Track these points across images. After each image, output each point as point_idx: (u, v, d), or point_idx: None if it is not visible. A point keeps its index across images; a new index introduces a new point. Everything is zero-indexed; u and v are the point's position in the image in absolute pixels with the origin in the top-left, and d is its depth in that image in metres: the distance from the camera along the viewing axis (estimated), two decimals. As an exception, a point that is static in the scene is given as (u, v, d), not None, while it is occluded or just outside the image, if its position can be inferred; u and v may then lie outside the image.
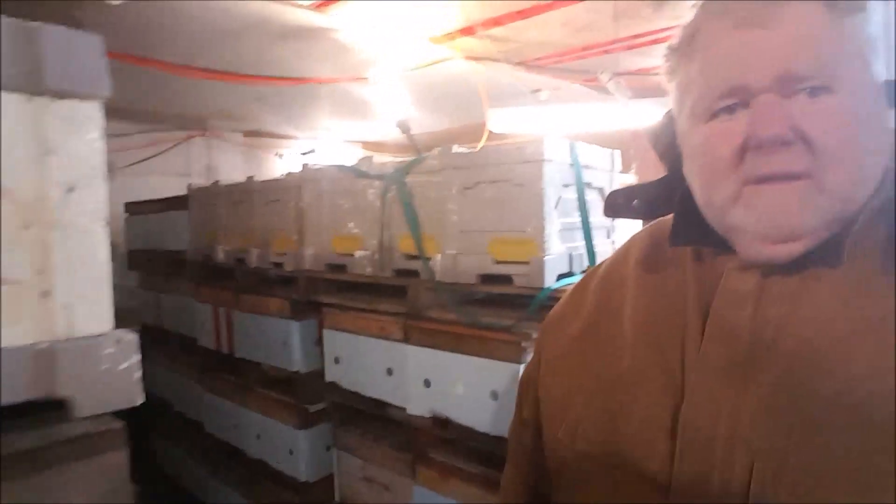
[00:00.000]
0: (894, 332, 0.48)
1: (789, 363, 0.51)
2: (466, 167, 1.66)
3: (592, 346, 0.67)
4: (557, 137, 1.58)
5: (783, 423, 0.49)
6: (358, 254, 1.97)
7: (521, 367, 1.54)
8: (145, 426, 3.59)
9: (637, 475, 0.57)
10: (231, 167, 4.85)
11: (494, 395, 1.59)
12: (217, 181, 2.75)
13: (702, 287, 0.59)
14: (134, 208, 3.55)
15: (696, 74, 0.57)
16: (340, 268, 2.07)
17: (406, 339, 1.83)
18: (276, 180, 2.36)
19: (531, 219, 1.54)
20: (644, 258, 0.68)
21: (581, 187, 1.67)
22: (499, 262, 1.61)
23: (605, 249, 1.88)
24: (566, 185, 1.64)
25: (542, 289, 1.52)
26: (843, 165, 0.51)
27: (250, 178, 2.49)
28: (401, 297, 1.87)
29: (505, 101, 2.92)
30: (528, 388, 0.78)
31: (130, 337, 0.65)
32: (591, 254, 1.70)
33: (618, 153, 1.92)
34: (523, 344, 1.54)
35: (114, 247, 3.91)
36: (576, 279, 1.65)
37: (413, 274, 1.83)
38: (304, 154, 5.04)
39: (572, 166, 1.66)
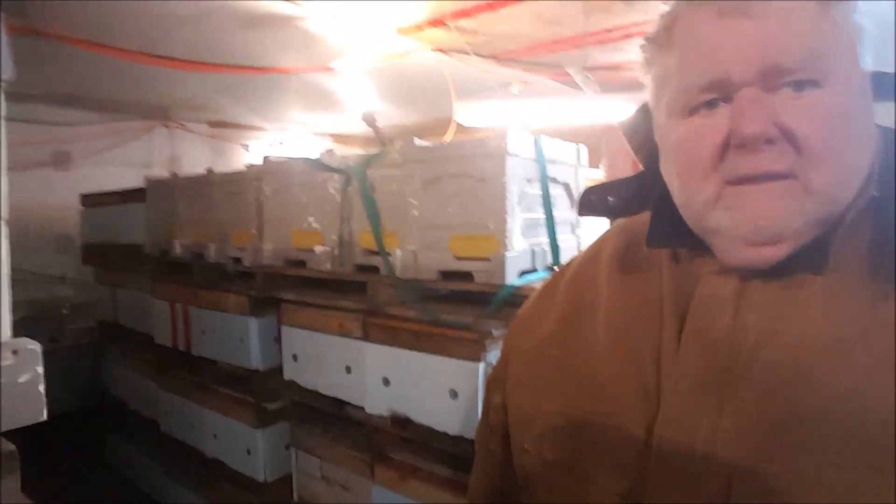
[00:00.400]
0: (881, 344, 0.45)
1: (770, 377, 0.48)
2: (428, 161, 1.62)
3: (562, 352, 0.63)
4: (521, 131, 1.55)
5: (763, 441, 0.47)
6: (318, 249, 1.91)
7: (481, 366, 1.50)
8: (100, 426, 3.47)
9: (607, 490, 0.54)
10: (196, 158, 4.71)
11: (454, 394, 1.56)
12: (175, 173, 2.65)
13: (679, 291, 0.56)
14: (90, 200, 3.41)
15: (675, 67, 0.54)
16: (300, 263, 2.00)
17: (365, 337, 1.78)
18: (235, 173, 2.28)
19: (493, 214, 1.50)
20: (618, 257, 0.64)
21: (545, 182, 1.64)
22: (460, 259, 1.57)
23: (570, 245, 1.86)
24: (529, 180, 1.61)
25: (503, 286, 1.48)
26: (829, 164, 0.48)
27: (209, 170, 2.41)
28: (361, 293, 1.82)
29: (475, 94, 2.88)
30: (493, 392, 0.73)
31: (31, 347, 0.58)
32: (556, 250, 1.67)
33: (584, 148, 1.90)
34: (484, 342, 1.51)
35: (69, 240, 3.78)
36: (539, 276, 1.63)
37: (374, 270, 1.79)
38: (270, 146, 4.93)
39: (536, 161, 1.62)
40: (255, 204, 2.17)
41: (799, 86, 0.49)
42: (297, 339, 2.02)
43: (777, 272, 0.51)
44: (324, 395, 1.94)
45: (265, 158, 2.08)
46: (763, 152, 0.49)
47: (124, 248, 3.10)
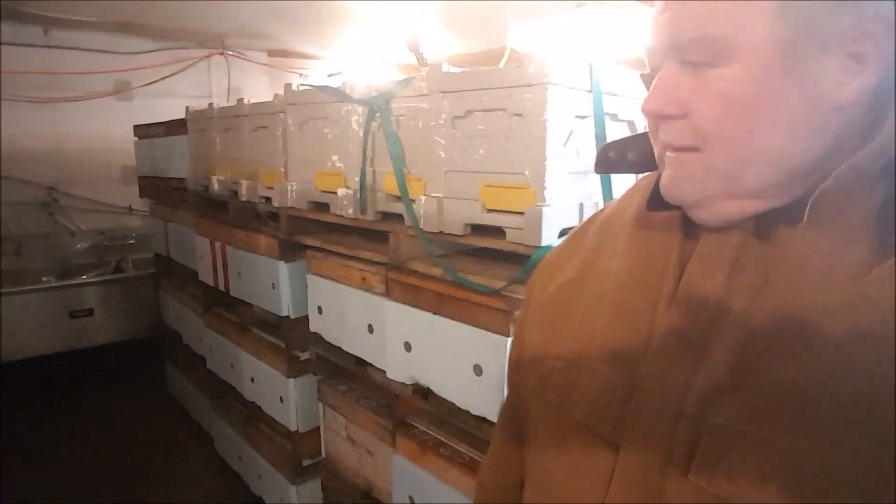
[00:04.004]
0: (873, 312, 0.44)
1: (752, 340, 0.48)
2: (457, 92, 1.34)
3: (576, 298, 0.64)
4: (570, 55, 1.23)
5: (734, 403, 0.47)
6: (340, 192, 1.70)
7: (509, 342, 1.27)
8: (160, 356, 3.58)
9: (593, 434, 0.56)
10: (255, 88, 4.60)
11: (478, 370, 1.34)
12: (211, 103, 2.50)
13: (684, 249, 0.55)
14: (141, 132, 3.37)
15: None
16: (324, 207, 1.81)
17: (387, 294, 1.58)
18: (262, 104, 2.09)
19: (530, 159, 1.22)
20: (641, 210, 0.61)
21: (601, 119, 1.32)
22: (490, 211, 1.31)
23: (633, 197, 1.55)
24: (581, 117, 1.30)
25: (539, 247, 1.22)
26: (727, 147, 0.49)
27: (240, 100, 2.22)
28: (387, 243, 1.61)
29: (536, 13, 2.48)
30: (517, 330, 0.75)
31: None
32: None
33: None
34: (514, 314, 1.27)
35: (134, 171, 3.80)
36: (586, 235, 1.35)
37: (398, 218, 1.56)
38: (330, 76, 4.71)
39: (590, 93, 1.31)
40: (282, 139, 1.98)
41: (695, 66, 0.49)
42: (322, 290, 1.86)
43: (772, 233, 0.50)
44: (347, 353, 1.79)
45: (287, 87, 1.87)
46: (668, 126, 0.51)
47: (172, 182, 3.04)
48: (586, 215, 1.34)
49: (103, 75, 3.99)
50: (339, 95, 1.64)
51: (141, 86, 4.14)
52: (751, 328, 0.48)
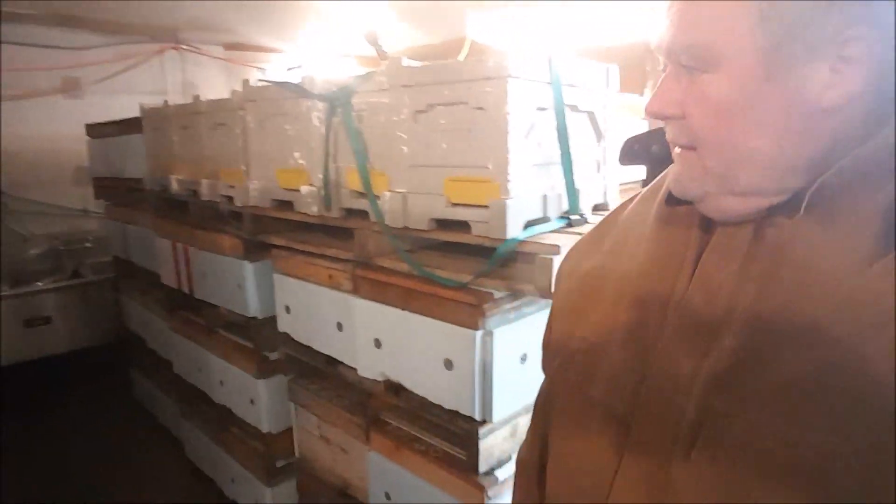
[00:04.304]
0: (876, 305, 0.44)
1: (757, 329, 0.49)
2: (418, 86, 1.33)
3: (602, 283, 0.65)
4: (530, 48, 1.23)
5: (737, 390, 0.48)
6: (304, 189, 1.68)
7: (479, 335, 1.28)
8: (124, 361, 3.48)
9: (608, 414, 0.58)
10: (211, 84, 4.47)
11: (449, 365, 1.35)
12: (166, 101, 2.42)
13: (701, 242, 0.57)
14: (94, 131, 3.25)
15: None
16: (287, 205, 1.78)
17: (355, 291, 1.57)
18: (220, 101, 2.03)
19: (493, 152, 1.22)
20: (668, 196, 0.63)
21: (561, 111, 1.33)
22: (455, 205, 1.31)
23: (596, 187, 1.57)
24: (541, 109, 1.31)
25: (505, 239, 1.23)
26: (718, 149, 0.51)
27: (196, 97, 2.17)
28: (352, 240, 1.59)
29: (503, 3, 2.47)
30: (549, 315, 0.76)
31: None
32: (573, 194, 1.38)
33: (614, 68, 1.56)
34: (483, 307, 1.27)
35: (84, 172, 3.67)
36: (552, 227, 1.36)
37: (363, 215, 1.55)
38: (289, 69, 4.63)
39: (550, 84, 1.31)
40: (242, 136, 1.93)
41: (690, 71, 0.51)
42: (289, 289, 1.84)
43: (781, 226, 0.51)
44: (317, 352, 1.77)
45: (245, 83, 1.82)
46: (671, 125, 0.55)
47: (129, 183, 2.95)
48: (550, 207, 1.35)
49: (50, 72, 3.83)
50: (299, 91, 1.61)
51: (91, 83, 3.99)
52: (759, 318, 0.49)
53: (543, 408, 0.77)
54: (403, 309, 1.43)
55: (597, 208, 1.59)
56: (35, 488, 2.67)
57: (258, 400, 2.16)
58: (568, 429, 0.66)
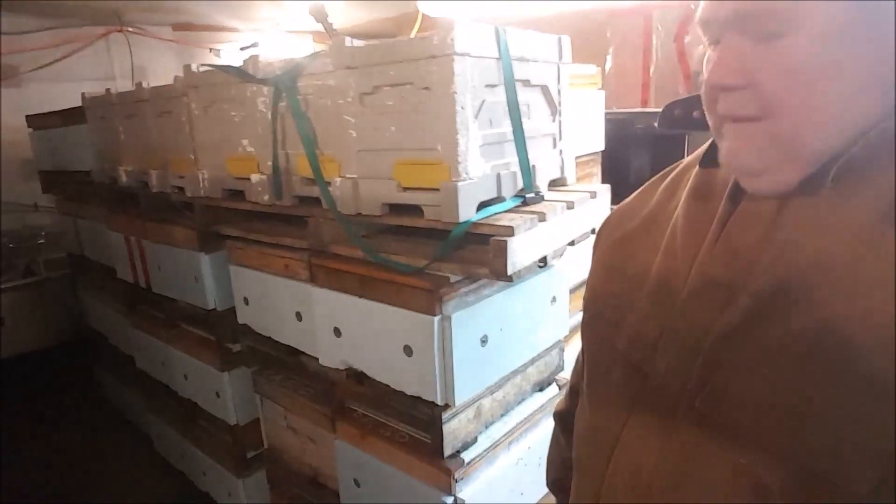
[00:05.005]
0: (883, 269, 0.45)
1: (772, 289, 0.50)
2: (363, 66, 1.28)
3: (636, 241, 0.68)
4: (476, 22, 1.19)
5: (746, 345, 0.50)
6: (254, 178, 1.62)
7: (437, 321, 1.26)
8: (86, 359, 3.39)
9: (628, 360, 0.62)
10: (162, 68, 4.29)
11: (408, 351, 1.33)
12: (108, 89, 2.32)
13: (731, 206, 0.58)
14: (35, 122, 3.10)
15: None
16: (239, 194, 1.73)
17: (312, 280, 1.53)
18: (163, 87, 1.95)
19: (441, 133, 1.19)
20: (703, 159, 0.64)
21: (512, 87, 1.30)
22: (406, 189, 1.28)
23: (552, 162, 1.55)
24: (491, 86, 1.28)
25: (457, 223, 1.20)
26: (793, 115, 0.50)
27: (139, 84, 2.07)
28: (306, 229, 1.55)
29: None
30: (588, 278, 0.77)
31: None
32: (527, 171, 1.36)
33: (566, 39, 1.53)
34: (439, 291, 1.25)
35: (31, 165, 3.51)
36: (507, 206, 1.34)
37: (316, 202, 1.50)
38: (243, 49, 4.47)
39: (500, 60, 1.28)
40: (188, 124, 1.86)
41: (765, 36, 0.49)
42: (246, 280, 1.79)
43: (814, 194, 0.51)
44: (278, 342, 1.74)
45: (186, 68, 1.74)
46: (731, 97, 0.52)
47: (76, 176, 2.83)
48: (505, 186, 1.33)
49: (-15, 60, 3.63)
50: (241, 75, 1.55)
51: (31, 70, 3.79)
52: (776, 279, 0.50)
53: (578, 362, 0.80)
54: (361, 296, 1.41)
55: (554, 183, 1.57)
56: (2, 493, 2.60)
57: (223, 393, 2.12)
58: (594, 380, 0.69)
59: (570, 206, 1.39)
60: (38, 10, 3.67)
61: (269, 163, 1.55)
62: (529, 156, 1.40)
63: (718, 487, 0.51)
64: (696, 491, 0.53)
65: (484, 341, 1.36)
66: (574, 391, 0.83)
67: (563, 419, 0.87)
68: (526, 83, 1.41)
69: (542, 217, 1.27)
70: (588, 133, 1.98)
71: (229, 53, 4.62)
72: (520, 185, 1.37)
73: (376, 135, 1.30)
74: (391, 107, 1.26)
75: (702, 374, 0.53)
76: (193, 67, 1.73)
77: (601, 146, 2.12)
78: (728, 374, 0.51)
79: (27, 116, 3.15)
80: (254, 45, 4.66)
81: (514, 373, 1.51)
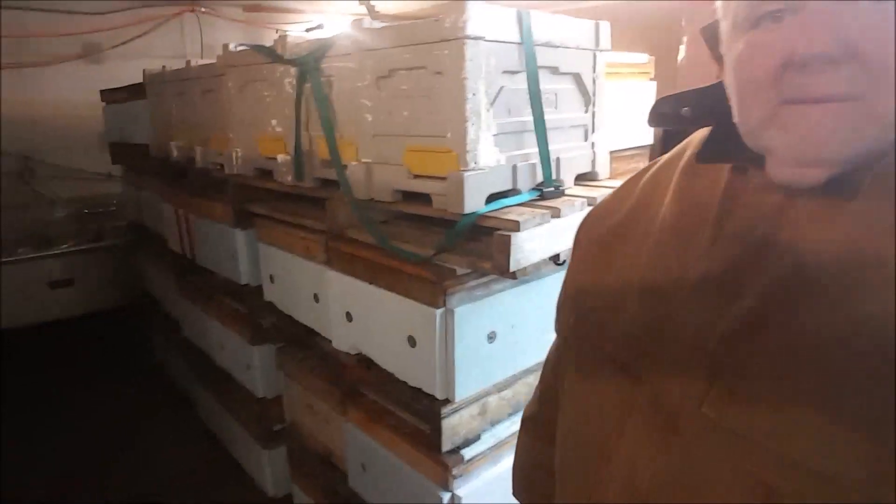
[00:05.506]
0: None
1: (778, 289, 0.47)
2: (380, 49, 1.26)
3: (620, 241, 0.65)
4: (495, 3, 1.14)
5: (752, 346, 0.48)
6: (280, 158, 1.63)
7: (439, 314, 1.23)
8: (144, 322, 3.59)
9: (615, 361, 0.59)
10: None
11: (412, 342, 1.30)
12: (164, 66, 2.40)
13: (728, 200, 0.55)
14: (107, 96, 3.28)
15: None
16: (268, 173, 1.75)
17: (328, 263, 1.54)
18: (207, 66, 2.00)
19: (451, 120, 1.15)
20: (690, 162, 0.62)
21: (534, 75, 1.24)
22: (416, 177, 1.25)
23: (582, 155, 1.47)
24: (511, 73, 1.22)
25: (463, 214, 1.16)
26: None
27: (188, 62, 2.13)
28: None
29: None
30: (566, 276, 0.75)
31: None
32: (547, 164, 1.30)
33: (605, 26, 1.44)
34: (444, 284, 1.22)
35: (100, 136, 3.72)
36: (520, 199, 1.28)
37: (336, 185, 1.50)
38: (308, 31, 4.54)
39: (522, 45, 1.22)
40: (228, 103, 1.90)
41: None
42: (272, 259, 1.82)
43: (822, 192, 0.48)
44: (298, 322, 1.76)
45: (224, 48, 1.78)
46: (825, 73, 0.44)
47: (138, 148, 2.97)
48: (521, 178, 1.28)
49: (70, 38, 3.86)
50: (271, 55, 1.55)
51: (111, 47, 4.01)
52: (781, 279, 0.48)
53: (555, 366, 0.77)
54: (371, 283, 1.39)
55: (583, 178, 1.50)
56: (54, 442, 2.81)
57: (252, 366, 2.18)
58: (581, 385, 0.66)
59: (592, 202, 1.31)
60: (120, -10, 3.88)
61: (293, 144, 1.55)
62: (555, 148, 1.34)
63: (725, 497, 0.48)
64: (699, 501, 0.50)
65: (491, 338, 1.32)
66: (547, 395, 0.79)
67: (535, 424, 0.83)
68: (554, 70, 1.34)
69: (555, 213, 1.20)
70: (634, 126, 1.88)
71: (295, 34, 4.71)
72: (540, 177, 1.31)
73: (390, 119, 1.27)
74: (405, 91, 1.23)
75: (707, 378, 0.50)
76: (231, 47, 1.76)
77: (650, 139, 2.01)
78: (736, 376, 0.48)
79: (101, 91, 3.33)
80: (319, 26, 4.73)
81: (526, 372, 1.46)
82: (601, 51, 1.45)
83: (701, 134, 0.63)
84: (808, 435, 0.44)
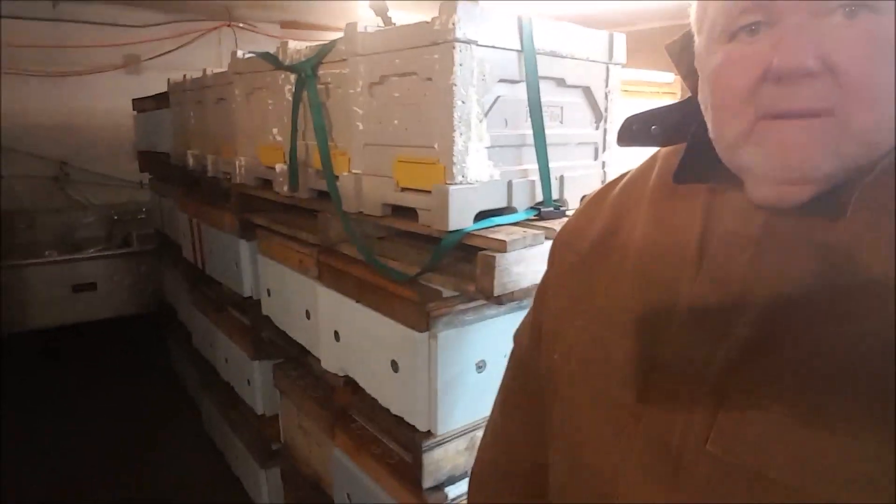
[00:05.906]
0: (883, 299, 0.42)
1: (772, 317, 0.46)
2: (373, 54, 1.19)
3: (596, 268, 0.63)
4: (493, 6, 1.06)
5: (751, 379, 0.46)
6: (278, 167, 1.58)
7: (423, 338, 1.13)
8: (161, 329, 3.60)
9: (617, 404, 0.55)
10: (265, 62, 4.50)
11: (395, 366, 1.21)
12: (185, 75, 2.41)
13: (709, 224, 0.53)
14: (138, 105, 3.34)
15: None
16: (268, 183, 1.70)
17: (319, 278, 1.46)
18: (219, 74, 1.98)
19: (438, 130, 1.06)
20: (666, 179, 0.59)
21: (535, 85, 1.15)
22: (404, 190, 1.17)
23: (591, 174, 1.37)
24: (510, 82, 1.13)
25: (449, 231, 1.07)
26: (874, 104, 0.43)
27: (204, 70, 2.13)
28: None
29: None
30: (539, 297, 0.72)
31: None
32: (547, 180, 1.20)
33: (620, 37, 1.34)
34: (427, 307, 1.12)
35: (134, 145, 3.79)
36: (514, 218, 1.19)
37: (328, 197, 1.43)
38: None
39: (521, 52, 1.13)
40: (235, 111, 1.87)
41: (853, 11, 0.42)
42: (269, 271, 1.77)
43: (805, 212, 0.47)
44: (291, 339, 1.69)
45: (233, 55, 1.75)
46: (802, 87, 0.44)
47: (161, 156, 3.00)
48: (518, 195, 1.18)
49: (112, 49, 3.98)
50: (271, 61, 1.51)
51: (149, 59, 4.12)
52: (774, 307, 0.47)
53: (538, 403, 0.71)
54: (357, 301, 1.31)
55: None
56: (62, 445, 2.81)
57: (253, 381, 2.12)
58: (576, 422, 0.62)
59: (596, 224, 1.20)
60: (159, 6, 3.98)
61: (288, 153, 1.50)
62: (558, 165, 1.24)
63: None
64: None
65: (480, 367, 1.22)
66: (529, 438, 0.72)
67: (512, 477, 0.77)
68: (560, 82, 1.25)
69: (551, 234, 1.10)
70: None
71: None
72: (538, 196, 1.21)
73: (381, 128, 1.20)
74: (397, 99, 1.16)
75: (709, 414, 0.48)
76: (239, 54, 1.73)
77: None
78: (740, 409, 0.46)
79: (133, 100, 3.39)
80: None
81: (522, 406, 1.34)
82: (615, 64, 1.35)
83: (670, 150, 0.62)
84: (830, 466, 0.41)
